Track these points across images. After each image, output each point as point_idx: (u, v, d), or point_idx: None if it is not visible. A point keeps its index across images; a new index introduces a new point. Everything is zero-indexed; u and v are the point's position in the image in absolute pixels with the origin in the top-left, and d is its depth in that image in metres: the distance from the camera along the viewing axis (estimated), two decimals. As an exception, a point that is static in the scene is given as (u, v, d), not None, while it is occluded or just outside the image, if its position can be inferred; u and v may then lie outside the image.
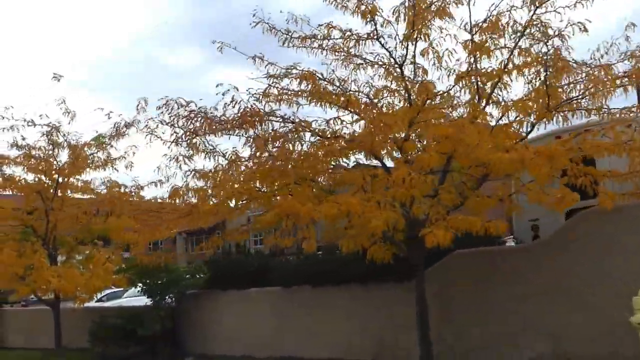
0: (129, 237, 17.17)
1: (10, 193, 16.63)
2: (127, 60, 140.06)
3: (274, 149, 9.10)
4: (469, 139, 7.91)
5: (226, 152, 9.41)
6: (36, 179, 16.07)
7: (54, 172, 16.03)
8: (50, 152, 15.87)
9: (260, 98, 9.09)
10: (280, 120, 9.08)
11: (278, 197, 9.26)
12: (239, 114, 8.57)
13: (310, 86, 9.09)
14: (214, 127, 8.64)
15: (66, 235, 17.17)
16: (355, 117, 9.32)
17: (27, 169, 15.99)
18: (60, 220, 16.13)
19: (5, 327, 23.33)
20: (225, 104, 8.74)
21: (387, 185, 7.92)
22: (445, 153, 8.06)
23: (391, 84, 9.65)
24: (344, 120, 9.41)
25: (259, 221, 9.11)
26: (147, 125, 9.12)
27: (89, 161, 16.08)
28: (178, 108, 8.79)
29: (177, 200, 9.42)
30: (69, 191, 16.70)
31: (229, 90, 8.57)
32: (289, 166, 8.67)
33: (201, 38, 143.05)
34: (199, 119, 8.68)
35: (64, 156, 16.13)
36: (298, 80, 9.15)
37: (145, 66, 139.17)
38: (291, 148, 8.82)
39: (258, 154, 8.85)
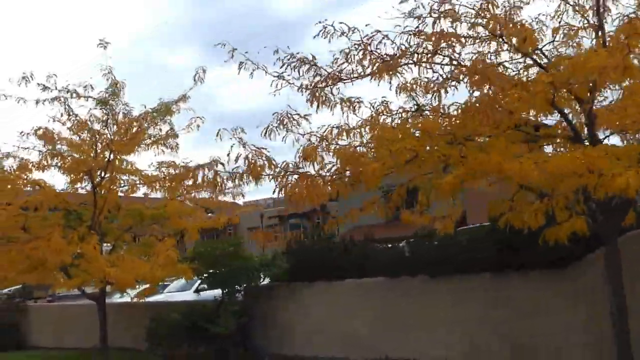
0: (185, 223, 15.51)
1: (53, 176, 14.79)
2: (127, 60, 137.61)
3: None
4: None
5: (374, 102, 7.54)
6: (83, 157, 14.16)
7: (104, 148, 14.15)
8: (104, 125, 13.99)
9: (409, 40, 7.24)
10: (444, 61, 7.26)
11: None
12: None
13: (485, 20, 7.26)
14: (392, 61, 6.71)
15: (112, 222, 15.43)
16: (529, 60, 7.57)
17: (73, 148, 14.09)
18: (108, 202, 14.33)
19: (30, 325, 21.30)
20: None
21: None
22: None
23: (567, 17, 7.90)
24: (508, 67, 7.68)
25: (433, 186, 7.15)
26: (283, 63, 7.18)
27: (141, 138, 14.30)
28: (337, 38, 6.90)
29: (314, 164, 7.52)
30: (115, 173, 14.88)
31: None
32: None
33: (201, 38, 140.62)
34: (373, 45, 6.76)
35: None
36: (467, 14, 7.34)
37: (145, 66, 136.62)
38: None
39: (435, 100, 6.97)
